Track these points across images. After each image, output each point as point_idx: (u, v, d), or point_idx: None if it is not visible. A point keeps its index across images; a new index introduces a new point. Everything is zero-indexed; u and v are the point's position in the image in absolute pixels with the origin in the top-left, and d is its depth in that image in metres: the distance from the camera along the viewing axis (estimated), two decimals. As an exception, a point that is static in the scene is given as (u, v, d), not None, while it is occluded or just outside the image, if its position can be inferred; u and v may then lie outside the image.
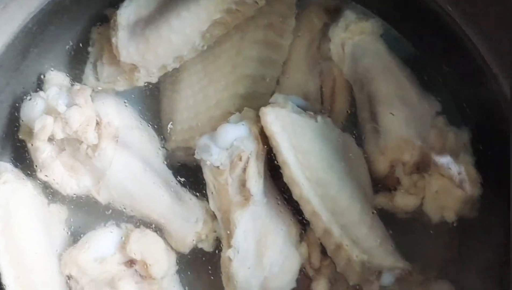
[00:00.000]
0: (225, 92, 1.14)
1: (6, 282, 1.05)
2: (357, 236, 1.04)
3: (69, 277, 1.08)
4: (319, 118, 1.09)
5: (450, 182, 1.08)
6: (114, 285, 1.05)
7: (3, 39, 1.09)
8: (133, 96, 1.16)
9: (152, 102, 1.18)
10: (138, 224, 1.12)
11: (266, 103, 1.09)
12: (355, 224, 1.05)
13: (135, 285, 1.07)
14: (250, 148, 1.06)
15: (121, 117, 1.11)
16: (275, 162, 1.08)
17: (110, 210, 1.12)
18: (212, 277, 1.11)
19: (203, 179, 1.10)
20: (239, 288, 1.05)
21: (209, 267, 1.12)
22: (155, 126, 1.16)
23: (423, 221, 1.10)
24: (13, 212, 1.07)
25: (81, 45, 1.18)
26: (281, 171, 1.06)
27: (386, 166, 1.10)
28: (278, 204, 1.11)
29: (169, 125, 1.16)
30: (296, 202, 1.07)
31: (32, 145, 1.08)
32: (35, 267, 1.07)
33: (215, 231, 1.11)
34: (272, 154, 1.08)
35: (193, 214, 1.12)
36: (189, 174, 1.14)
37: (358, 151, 1.12)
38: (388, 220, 1.11)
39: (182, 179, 1.14)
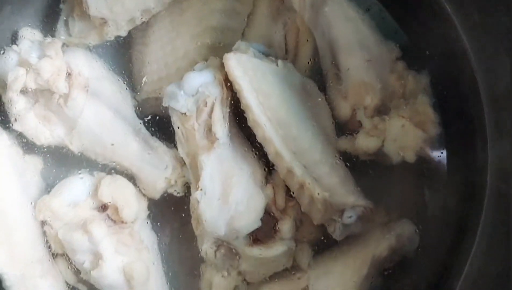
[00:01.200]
0: (192, 43, 1.18)
1: (-19, 228, 1.09)
2: (319, 175, 1.08)
3: (43, 223, 1.12)
4: (279, 62, 1.12)
5: (410, 123, 1.11)
6: (86, 228, 1.09)
7: (-26, -3, 1.13)
8: (104, 50, 1.20)
9: (123, 56, 1.21)
10: (110, 172, 1.16)
11: (231, 53, 1.12)
12: (316, 163, 1.08)
13: (107, 228, 1.10)
14: (215, 94, 1.09)
15: (91, 68, 1.14)
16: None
17: (84, 160, 1.16)
18: (182, 221, 1.15)
19: (172, 128, 1.14)
20: (207, 228, 1.09)
21: (180, 212, 1.15)
22: (126, 78, 1.20)
23: (385, 162, 1.13)
24: (-11, 162, 1.11)
25: (53, 2, 1.22)
26: (245, 115, 1.10)
27: (348, 110, 1.14)
28: (245, 150, 1.14)
29: (144, 79, 1.20)
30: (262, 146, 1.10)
31: (6, 97, 1.13)
32: (11, 214, 1.11)
33: (184, 176, 1.15)
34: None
35: (163, 161, 1.15)
36: (159, 124, 1.18)
37: (320, 94, 1.15)
38: (352, 163, 1.14)
39: (153, 128, 1.18)
